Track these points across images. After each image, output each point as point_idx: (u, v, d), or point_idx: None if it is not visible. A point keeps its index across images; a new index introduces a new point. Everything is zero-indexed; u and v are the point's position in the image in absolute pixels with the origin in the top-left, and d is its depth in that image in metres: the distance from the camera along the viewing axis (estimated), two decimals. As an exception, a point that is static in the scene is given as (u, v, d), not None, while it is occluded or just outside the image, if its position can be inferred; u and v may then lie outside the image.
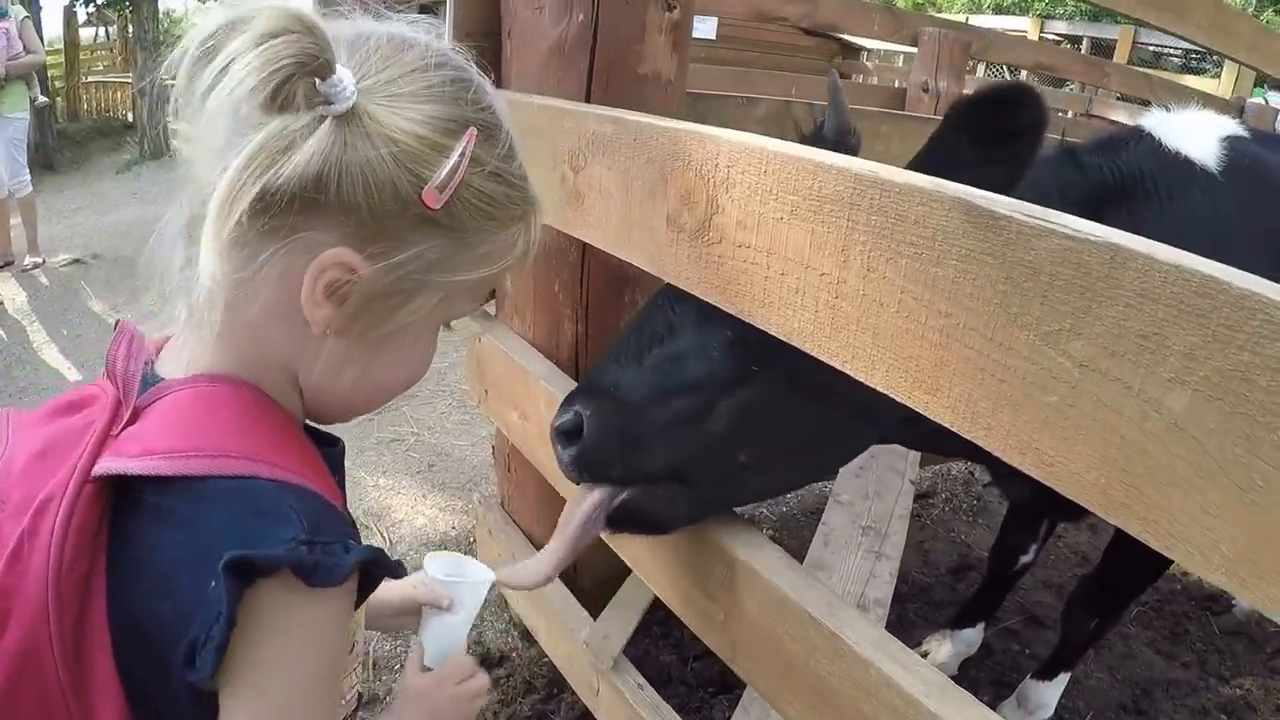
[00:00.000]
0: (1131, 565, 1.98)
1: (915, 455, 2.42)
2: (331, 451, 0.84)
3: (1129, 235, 0.70)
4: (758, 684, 1.20)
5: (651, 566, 1.41)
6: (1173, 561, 1.90)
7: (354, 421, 0.85)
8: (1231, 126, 1.88)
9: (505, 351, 1.87)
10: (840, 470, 2.30)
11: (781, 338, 0.97)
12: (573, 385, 1.73)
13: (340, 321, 0.70)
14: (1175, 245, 1.49)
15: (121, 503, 0.67)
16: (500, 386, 1.94)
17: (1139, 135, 1.77)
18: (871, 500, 2.10)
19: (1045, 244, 0.72)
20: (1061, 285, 0.71)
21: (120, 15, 14.93)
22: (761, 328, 1.01)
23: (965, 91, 5.34)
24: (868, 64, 10.51)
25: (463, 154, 0.68)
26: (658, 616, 2.21)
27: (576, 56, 1.71)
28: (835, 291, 0.89)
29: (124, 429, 0.70)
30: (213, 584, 0.61)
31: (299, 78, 0.62)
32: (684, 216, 1.09)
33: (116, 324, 0.79)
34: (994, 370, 0.76)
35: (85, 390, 0.76)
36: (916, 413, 0.85)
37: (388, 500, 3.08)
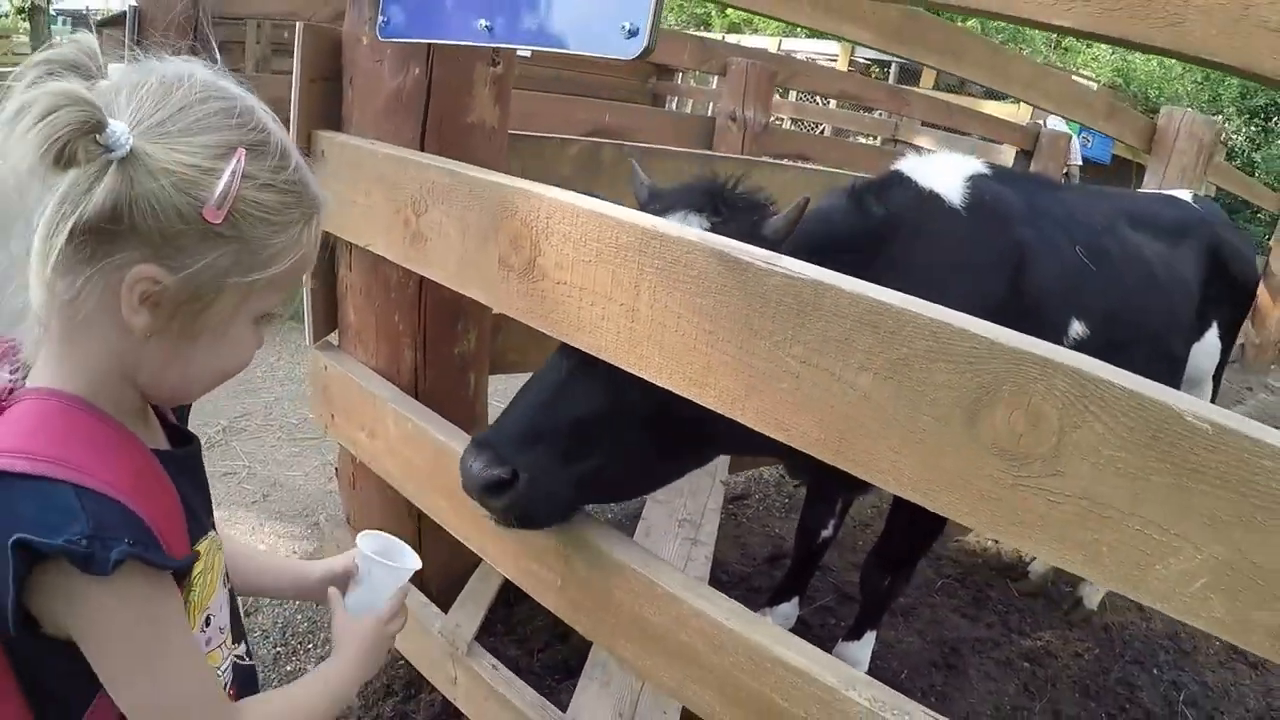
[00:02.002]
0: (906, 527, 2.31)
1: (725, 459, 2.67)
2: (185, 451, 1.00)
3: (826, 272, 0.99)
4: (596, 635, 1.43)
5: (498, 552, 1.62)
6: (945, 521, 2.20)
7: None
8: (976, 166, 2.23)
9: (353, 378, 2.02)
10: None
11: (592, 353, 1.23)
12: (418, 406, 1.91)
13: (158, 325, 0.83)
14: (928, 270, 1.89)
15: None
16: (348, 410, 2.08)
17: (899, 178, 2.07)
18: (686, 498, 2.36)
19: (773, 280, 1.01)
20: (785, 309, 1.00)
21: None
22: (577, 346, 1.26)
23: (771, 120, 5.67)
24: (682, 85, 10.58)
25: (233, 173, 0.81)
26: (501, 615, 2.36)
27: (413, 106, 1.89)
28: (631, 317, 1.16)
29: None
30: (8, 561, 0.74)
31: (77, 140, 0.75)
32: (513, 258, 1.33)
33: None
34: (743, 369, 1.05)
35: None
36: (744, 431, 1.09)
37: (226, 531, 3.07)
